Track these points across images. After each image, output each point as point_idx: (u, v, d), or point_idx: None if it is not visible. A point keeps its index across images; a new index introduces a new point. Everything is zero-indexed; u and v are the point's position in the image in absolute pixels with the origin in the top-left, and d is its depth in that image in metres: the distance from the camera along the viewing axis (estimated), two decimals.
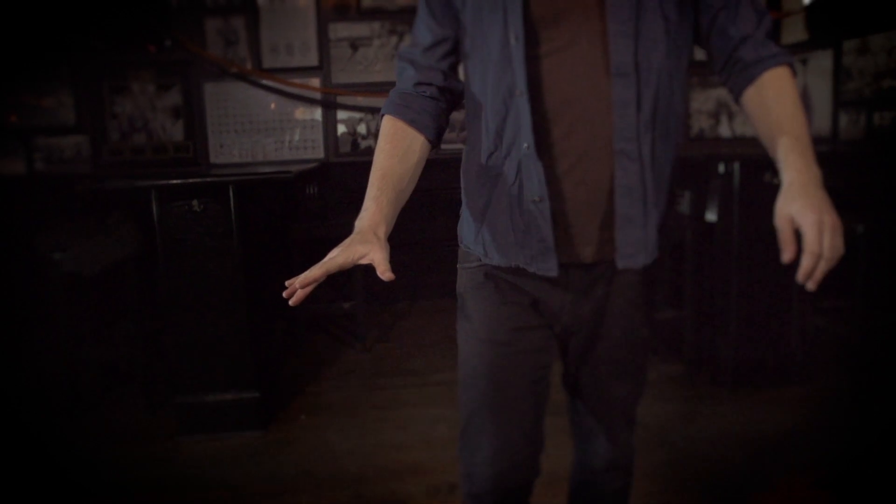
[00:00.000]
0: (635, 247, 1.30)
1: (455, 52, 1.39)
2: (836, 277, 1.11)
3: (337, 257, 1.15)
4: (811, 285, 1.03)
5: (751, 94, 1.26)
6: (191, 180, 2.75)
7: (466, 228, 1.44)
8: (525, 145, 1.26)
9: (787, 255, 1.00)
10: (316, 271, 1.13)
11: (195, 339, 3.00)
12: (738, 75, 1.28)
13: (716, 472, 2.60)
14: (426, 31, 1.39)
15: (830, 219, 1.03)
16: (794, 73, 1.28)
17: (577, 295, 1.39)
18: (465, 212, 1.45)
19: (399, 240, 4.71)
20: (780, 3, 5.03)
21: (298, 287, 1.12)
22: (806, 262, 1.01)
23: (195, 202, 2.77)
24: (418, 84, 1.39)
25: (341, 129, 5.16)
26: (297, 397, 3.49)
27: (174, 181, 2.72)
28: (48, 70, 5.06)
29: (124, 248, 3.29)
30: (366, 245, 1.17)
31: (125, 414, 3.38)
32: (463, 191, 1.44)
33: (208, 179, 2.80)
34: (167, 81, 5.14)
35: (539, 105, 1.25)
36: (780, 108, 1.22)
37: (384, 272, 1.13)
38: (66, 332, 3.41)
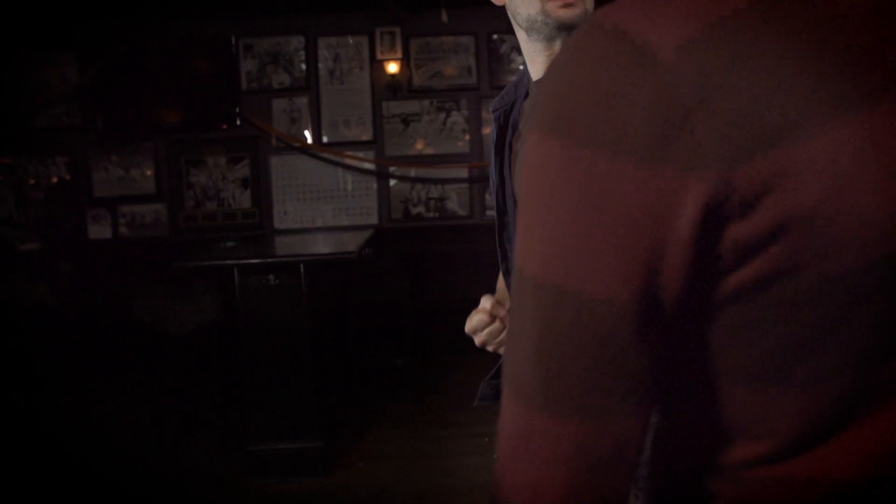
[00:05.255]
0: None
1: None
2: None
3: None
4: None
5: None
6: (268, 259, 3.22)
7: None
8: None
9: None
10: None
11: (267, 395, 3.44)
12: None
13: None
14: None
15: None
16: None
17: None
18: None
19: (447, 299, 5.09)
20: None
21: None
22: None
23: (271, 276, 3.24)
24: None
25: (393, 186, 5.63)
26: (355, 446, 3.88)
27: (254, 260, 3.20)
28: (135, 147, 5.67)
29: (207, 314, 3.77)
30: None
31: (202, 458, 3.81)
32: None
33: (283, 259, 3.27)
34: (237, 155, 5.69)
35: None
36: None
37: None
38: (153, 384, 3.89)
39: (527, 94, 1.59)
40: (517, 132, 1.56)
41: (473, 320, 1.43)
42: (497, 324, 1.42)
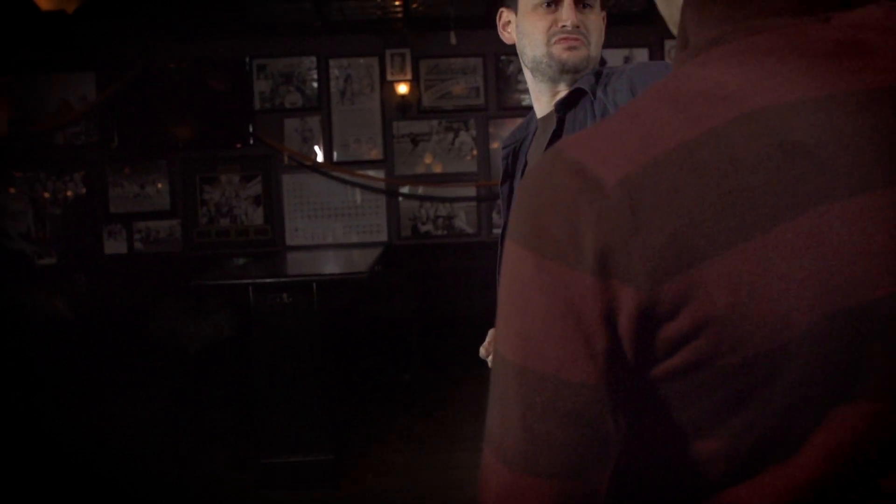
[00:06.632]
0: None
1: None
2: None
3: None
4: None
5: None
6: (282, 279, 3.34)
7: None
8: None
9: None
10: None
11: (279, 409, 3.55)
12: None
13: None
14: None
15: None
16: None
17: None
18: None
19: (455, 315, 5.20)
20: None
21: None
22: None
23: (284, 295, 3.35)
24: None
25: (403, 204, 5.76)
26: (365, 459, 3.98)
27: (268, 279, 3.32)
28: (150, 164, 5.81)
29: (222, 330, 3.89)
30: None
31: (216, 470, 3.92)
32: None
33: (296, 278, 3.39)
34: (250, 173, 5.83)
35: None
36: None
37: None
38: (168, 397, 4.00)
39: (536, 130, 1.68)
40: (527, 164, 1.67)
41: (482, 352, 1.62)
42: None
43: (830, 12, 0.58)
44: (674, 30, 0.68)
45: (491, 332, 1.61)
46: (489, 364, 1.60)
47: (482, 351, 1.62)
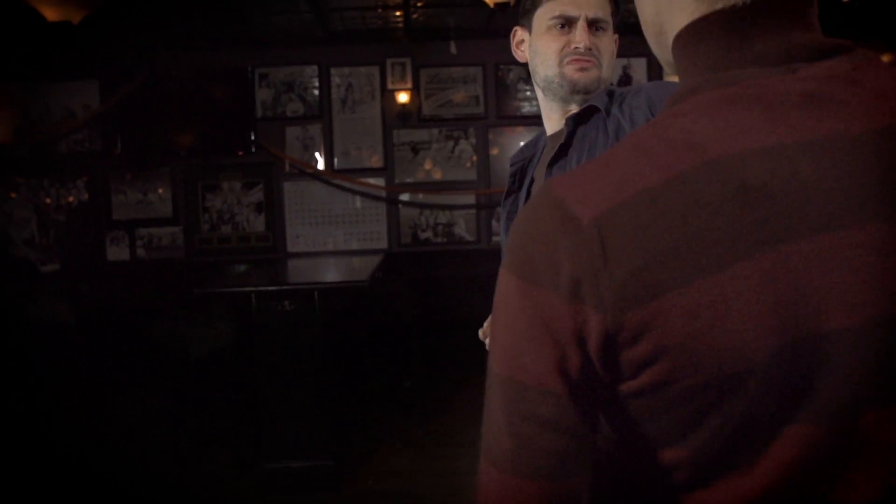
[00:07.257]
0: None
1: None
2: None
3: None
4: None
5: None
6: (284, 287, 3.39)
7: None
8: None
9: None
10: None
11: (281, 414, 3.60)
12: None
13: None
14: None
15: None
16: None
17: None
18: None
19: (454, 322, 5.24)
20: None
21: None
22: None
23: (286, 303, 3.40)
24: None
25: (403, 211, 5.81)
26: (366, 464, 4.02)
27: (270, 287, 3.37)
28: (153, 172, 5.86)
29: (224, 336, 3.94)
30: None
31: (219, 474, 3.95)
32: None
33: (298, 286, 3.44)
34: (252, 180, 5.88)
35: None
36: None
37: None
38: (171, 402, 4.04)
39: (545, 147, 1.71)
40: (534, 180, 1.71)
41: (480, 334, 1.70)
42: None
43: (798, 64, 0.63)
44: (667, 69, 0.73)
45: (490, 318, 1.67)
46: (487, 346, 1.66)
47: (481, 333, 1.68)
